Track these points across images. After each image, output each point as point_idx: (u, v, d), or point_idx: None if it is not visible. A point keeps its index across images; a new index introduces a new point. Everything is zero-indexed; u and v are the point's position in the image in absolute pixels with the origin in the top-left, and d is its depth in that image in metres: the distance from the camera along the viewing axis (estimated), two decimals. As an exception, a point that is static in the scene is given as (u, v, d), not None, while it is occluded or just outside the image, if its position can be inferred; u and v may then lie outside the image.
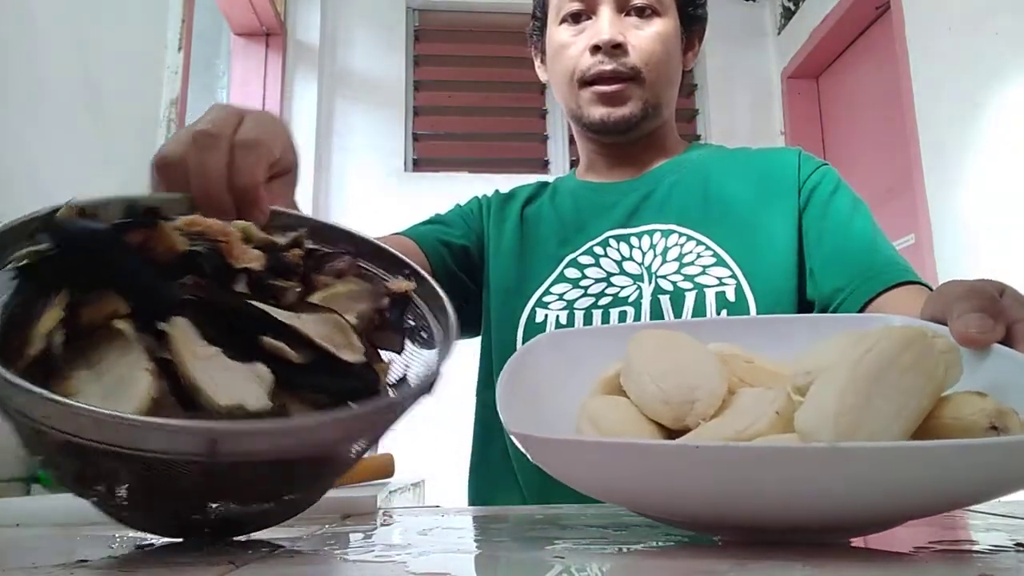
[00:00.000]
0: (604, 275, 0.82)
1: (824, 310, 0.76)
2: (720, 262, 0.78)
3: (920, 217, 2.18)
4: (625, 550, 0.34)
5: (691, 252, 0.79)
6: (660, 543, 0.36)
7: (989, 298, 0.40)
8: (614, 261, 0.82)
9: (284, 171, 0.51)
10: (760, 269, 0.77)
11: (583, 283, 0.82)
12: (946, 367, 0.35)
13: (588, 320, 0.80)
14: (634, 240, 0.82)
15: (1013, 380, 0.36)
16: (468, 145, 3.18)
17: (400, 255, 0.47)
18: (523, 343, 0.79)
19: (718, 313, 0.76)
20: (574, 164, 3.64)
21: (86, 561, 0.33)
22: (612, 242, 0.83)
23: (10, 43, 1.21)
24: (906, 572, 0.28)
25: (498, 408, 0.40)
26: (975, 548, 0.34)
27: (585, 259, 0.84)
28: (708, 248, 0.79)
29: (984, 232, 1.95)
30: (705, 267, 0.78)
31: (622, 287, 0.80)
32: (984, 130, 1.96)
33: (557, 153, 3.13)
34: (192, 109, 1.91)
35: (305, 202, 2.81)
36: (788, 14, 3.10)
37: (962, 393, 0.35)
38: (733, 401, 0.39)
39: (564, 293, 0.82)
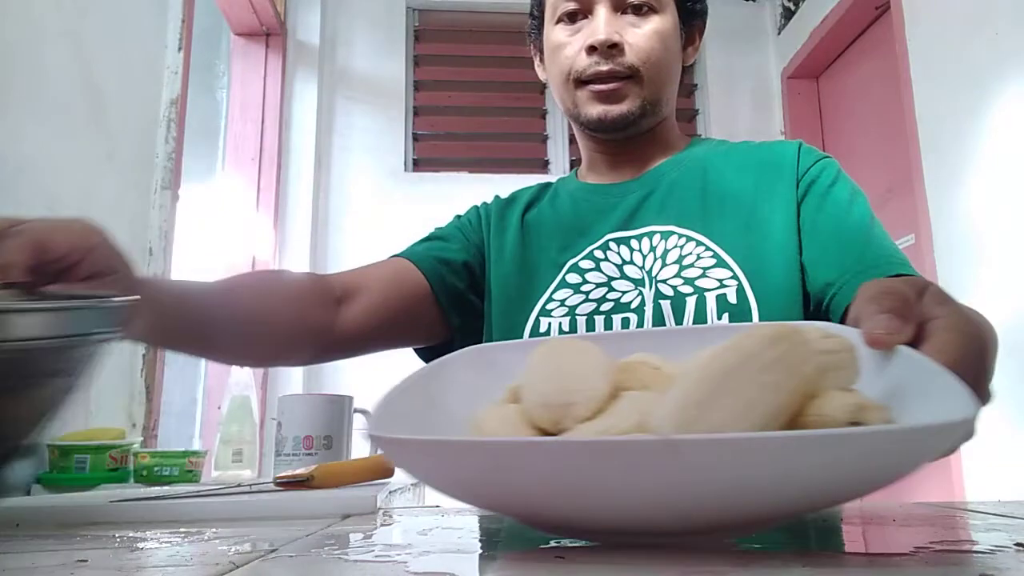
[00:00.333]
0: (605, 280, 0.81)
1: (818, 305, 0.75)
2: (720, 263, 0.77)
3: (920, 217, 2.18)
4: (626, 548, 0.34)
5: (691, 254, 0.78)
6: (663, 543, 0.36)
7: (900, 299, 0.39)
8: (615, 265, 0.81)
9: (96, 273, 0.57)
10: (761, 268, 0.76)
11: (584, 288, 0.82)
12: (821, 366, 0.35)
13: (591, 327, 0.79)
14: (634, 243, 0.82)
15: (913, 382, 0.35)
16: (468, 145, 3.18)
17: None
18: None
19: (719, 317, 0.74)
20: (574, 164, 3.63)
21: (86, 561, 0.33)
22: (612, 245, 0.82)
23: (11, 43, 1.21)
24: (906, 572, 0.28)
25: (372, 413, 0.40)
26: (975, 548, 0.34)
27: (586, 263, 0.83)
28: (708, 249, 0.78)
29: (984, 232, 1.95)
30: (705, 269, 0.77)
31: (623, 292, 0.80)
32: (984, 130, 1.96)
33: (557, 153, 3.13)
34: (192, 109, 1.91)
35: (305, 202, 2.82)
36: (788, 14, 3.10)
37: (833, 391, 0.35)
38: (613, 404, 0.39)
39: (566, 299, 0.82)
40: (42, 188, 1.27)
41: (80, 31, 1.41)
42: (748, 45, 3.22)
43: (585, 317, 0.80)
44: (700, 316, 0.75)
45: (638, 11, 0.82)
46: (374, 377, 3.10)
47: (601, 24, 0.80)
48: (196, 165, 2.45)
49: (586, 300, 0.81)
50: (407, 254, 0.89)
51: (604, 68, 0.80)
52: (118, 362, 1.54)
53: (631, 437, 0.32)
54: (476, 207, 0.95)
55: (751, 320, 0.74)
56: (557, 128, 3.14)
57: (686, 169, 0.85)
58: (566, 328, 0.80)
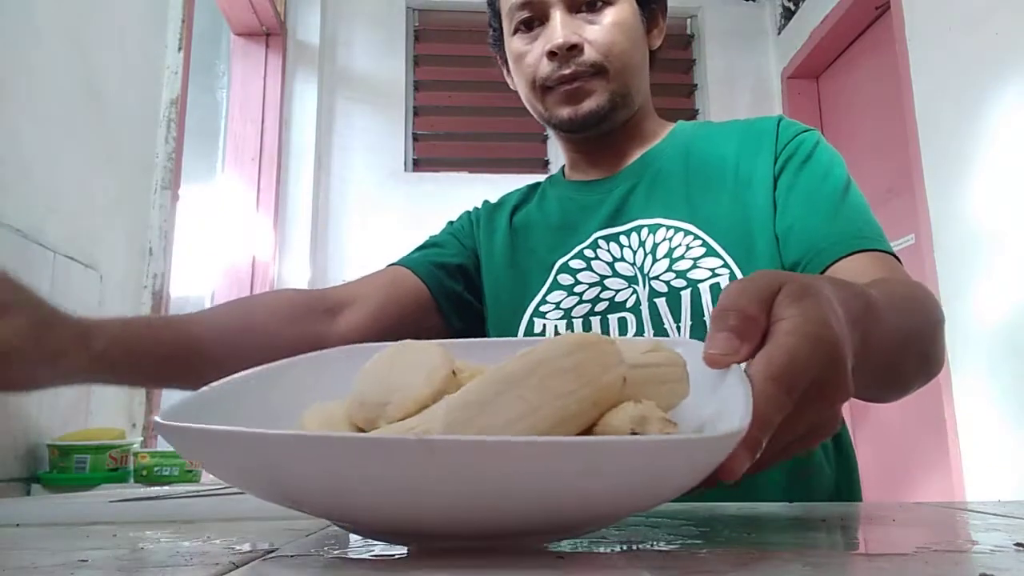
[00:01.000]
0: (597, 279, 0.80)
1: None
2: (710, 251, 0.76)
3: (920, 217, 2.18)
4: (625, 549, 0.34)
5: (680, 245, 0.77)
6: (661, 543, 0.36)
7: (741, 316, 0.37)
8: (605, 263, 0.81)
9: None
10: (750, 252, 0.75)
11: (577, 289, 0.81)
12: (634, 379, 0.35)
13: (587, 328, 0.79)
14: (623, 239, 0.81)
15: (730, 406, 0.35)
16: (468, 145, 3.18)
17: None
18: None
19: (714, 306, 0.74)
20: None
21: (86, 561, 0.33)
22: (602, 243, 0.82)
23: (10, 43, 1.21)
24: (906, 572, 0.28)
25: (178, 401, 0.39)
26: (975, 548, 0.34)
27: (576, 263, 0.82)
28: (697, 238, 0.77)
29: (984, 232, 1.95)
30: (696, 260, 0.76)
31: (617, 290, 0.79)
32: (984, 130, 1.96)
33: (557, 153, 3.12)
34: (192, 109, 1.91)
35: (305, 202, 2.82)
36: (788, 14, 3.10)
37: (629, 403, 0.35)
38: (431, 407, 0.38)
39: (560, 301, 0.82)
40: (42, 188, 1.27)
41: (80, 31, 1.41)
42: (748, 45, 3.22)
43: (581, 319, 0.79)
44: (697, 309, 0.75)
45: (592, 7, 0.81)
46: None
47: (557, 28, 0.79)
48: (196, 165, 2.45)
49: (580, 301, 0.81)
50: (402, 262, 0.89)
51: (567, 71, 0.79)
52: (118, 362, 1.54)
53: (388, 435, 0.31)
54: (467, 212, 0.96)
55: None
56: (557, 128, 3.14)
57: (668, 158, 0.84)
58: (561, 330, 0.80)
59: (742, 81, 3.18)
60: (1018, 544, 0.33)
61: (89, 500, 0.63)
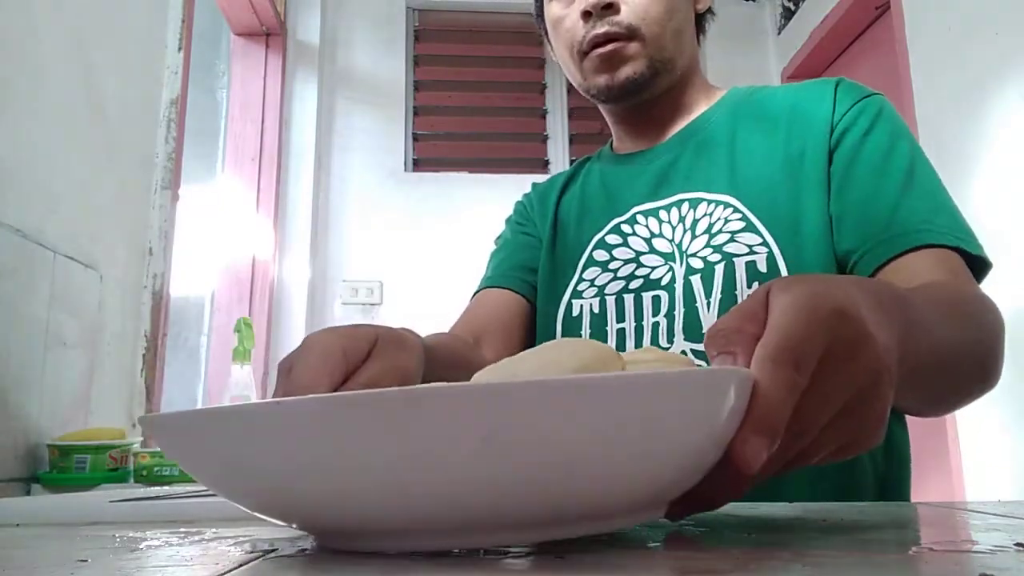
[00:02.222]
0: (633, 255, 0.76)
1: (842, 271, 0.69)
2: (750, 227, 0.71)
3: (920, 217, 2.18)
4: (626, 549, 0.34)
5: (719, 219, 0.72)
6: (662, 544, 0.36)
7: (727, 332, 0.35)
8: (643, 239, 0.77)
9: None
10: (794, 234, 0.70)
11: (612, 265, 0.77)
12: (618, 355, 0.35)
13: (620, 306, 0.75)
14: (663, 214, 0.77)
15: None
16: (468, 145, 3.18)
17: None
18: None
19: (749, 286, 0.68)
20: (574, 164, 3.61)
21: (86, 561, 0.33)
22: (640, 218, 0.78)
23: (11, 42, 1.20)
24: (906, 572, 0.28)
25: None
26: (975, 548, 0.34)
27: (613, 238, 0.79)
28: (736, 211, 0.72)
29: (984, 232, 1.94)
30: (733, 233, 0.71)
31: (653, 267, 0.75)
32: (984, 130, 1.96)
33: (557, 153, 3.13)
34: (192, 109, 1.91)
35: (305, 202, 2.82)
36: (788, 14, 3.10)
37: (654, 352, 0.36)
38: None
39: (595, 278, 0.78)
40: (42, 188, 1.27)
41: (80, 31, 1.41)
42: (748, 45, 3.22)
43: (614, 296, 0.76)
44: (728, 285, 0.70)
45: None
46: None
47: None
48: (196, 165, 2.45)
49: (615, 278, 0.77)
50: (487, 283, 0.88)
51: (600, 31, 0.76)
52: (118, 362, 1.54)
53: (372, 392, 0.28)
54: (519, 202, 0.94)
55: None
56: (557, 128, 3.14)
57: (715, 126, 0.79)
58: (596, 310, 0.77)
59: (742, 81, 3.16)
60: (1018, 544, 0.33)
61: (89, 500, 0.63)
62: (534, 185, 0.94)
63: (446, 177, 2.99)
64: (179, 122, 1.78)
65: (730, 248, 0.71)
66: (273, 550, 0.36)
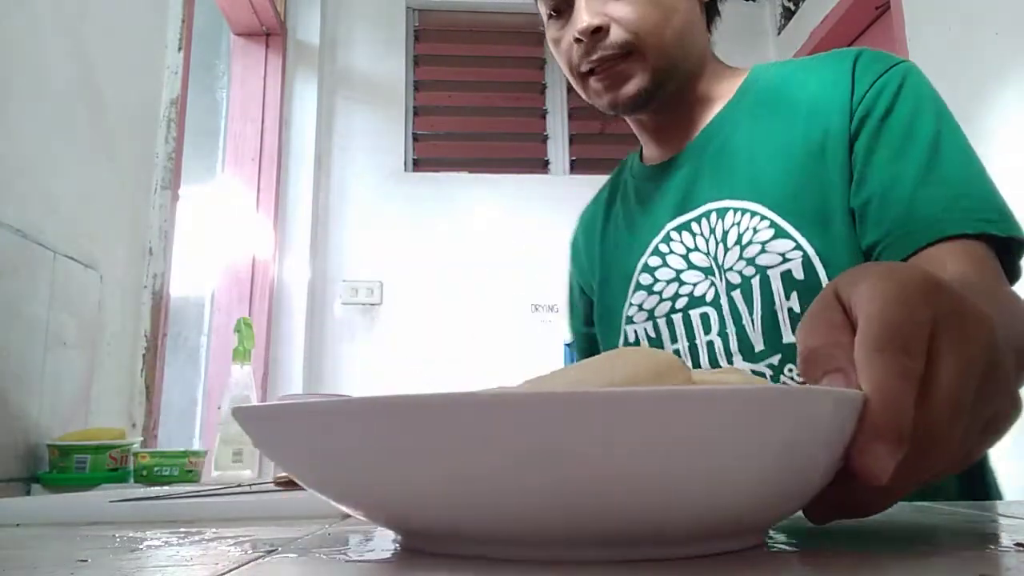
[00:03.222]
0: (674, 274, 0.75)
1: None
2: (780, 233, 0.68)
3: (920, 217, 2.18)
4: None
5: (748, 229, 0.70)
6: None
7: (821, 354, 0.31)
8: (680, 256, 0.75)
9: None
10: (827, 230, 0.66)
11: (656, 288, 0.76)
12: (681, 364, 0.34)
13: (671, 327, 0.75)
14: (694, 226, 0.75)
15: None
16: (468, 145, 3.18)
17: None
18: None
19: (787, 298, 0.66)
20: (574, 164, 3.60)
21: (86, 561, 0.33)
22: (674, 235, 0.76)
23: (10, 43, 1.21)
24: (906, 572, 0.28)
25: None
26: (975, 548, 0.34)
27: (653, 260, 0.77)
28: (764, 218, 0.69)
29: (984, 232, 1.95)
30: (764, 243, 0.68)
31: (695, 284, 0.74)
32: (984, 130, 1.96)
33: (557, 153, 3.13)
34: (192, 109, 1.91)
35: (305, 202, 2.82)
36: (788, 14, 3.10)
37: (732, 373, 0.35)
38: None
39: (643, 303, 0.77)
40: (42, 188, 1.27)
41: (80, 31, 1.41)
42: (748, 45, 3.22)
43: (664, 318, 0.75)
44: (767, 300, 0.67)
45: None
46: (372, 377, 3.08)
47: (581, 10, 0.73)
48: (196, 165, 2.45)
49: (661, 300, 0.76)
50: (573, 336, 0.94)
51: (595, 56, 0.74)
52: (118, 362, 1.54)
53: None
54: (571, 242, 0.95)
55: None
56: (557, 128, 3.14)
57: (733, 126, 0.76)
58: (651, 333, 0.76)
59: (742, 81, 3.18)
60: (1018, 544, 0.33)
61: (89, 500, 0.63)
62: (581, 218, 0.94)
63: (446, 177, 2.99)
64: (179, 122, 1.78)
65: (763, 260, 0.68)
66: (273, 550, 0.36)
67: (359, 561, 0.33)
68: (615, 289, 0.82)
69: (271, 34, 2.81)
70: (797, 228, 0.67)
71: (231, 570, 0.30)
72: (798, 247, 0.67)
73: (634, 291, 0.79)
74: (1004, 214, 0.64)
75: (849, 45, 2.81)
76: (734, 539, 0.31)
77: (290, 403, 0.30)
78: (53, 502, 0.65)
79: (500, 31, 3.19)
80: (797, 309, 0.66)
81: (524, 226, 2.90)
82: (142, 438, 1.59)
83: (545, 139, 3.16)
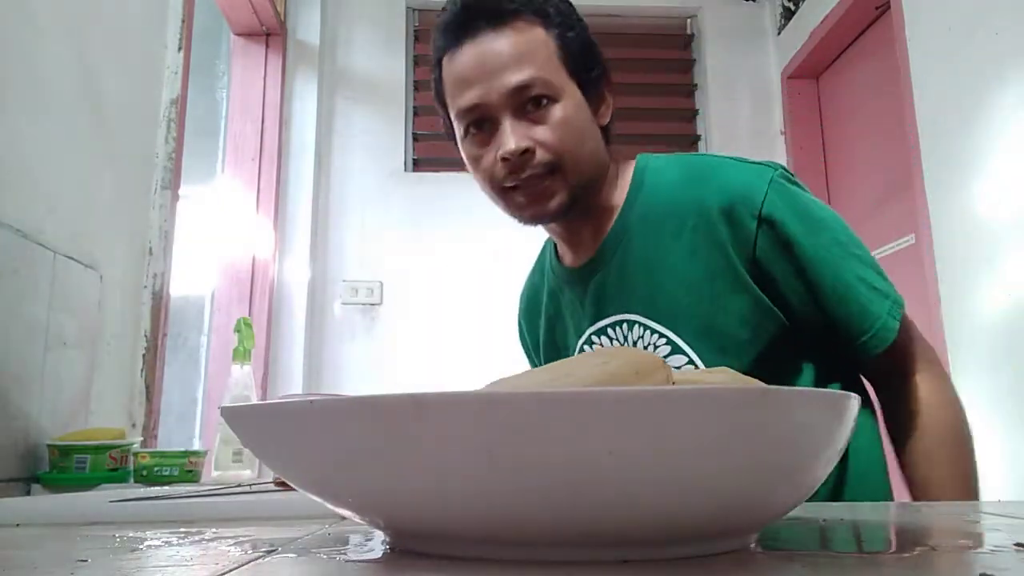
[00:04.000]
0: None
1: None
2: (676, 349, 0.78)
3: (920, 217, 2.18)
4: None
5: (649, 344, 0.80)
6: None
7: None
8: None
9: None
10: (714, 347, 0.77)
11: None
12: (663, 363, 0.35)
13: None
14: (610, 331, 0.85)
15: None
16: (468, 145, 3.17)
17: None
18: None
19: None
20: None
21: (86, 561, 0.33)
22: (594, 339, 0.86)
23: (10, 43, 1.21)
24: (906, 572, 0.28)
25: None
26: (975, 548, 0.34)
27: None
28: (663, 336, 0.80)
29: (984, 232, 1.95)
30: (664, 358, 0.79)
31: None
32: (984, 130, 1.96)
33: (557, 153, 3.14)
34: (192, 109, 1.91)
35: (305, 202, 2.82)
36: (788, 14, 3.10)
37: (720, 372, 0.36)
38: None
39: None
40: (42, 188, 1.27)
41: (80, 31, 1.41)
42: (748, 45, 3.22)
43: None
44: None
45: (538, 104, 0.80)
46: (372, 377, 3.06)
47: (508, 134, 0.79)
48: (196, 165, 2.45)
49: None
50: None
51: (524, 176, 0.80)
52: (118, 362, 1.54)
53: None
54: (517, 323, 1.07)
55: None
56: (557, 128, 3.14)
57: (629, 238, 0.84)
58: None
59: (742, 81, 3.18)
60: (1018, 544, 0.33)
61: (89, 500, 0.63)
62: (520, 299, 1.06)
63: (446, 177, 2.99)
64: (179, 122, 1.78)
65: None
66: (273, 550, 0.36)
67: (359, 561, 0.33)
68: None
69: (271, 34, 2.81)
70: (688, 343, 0.77)
71: (231, 570, 0.30)
72: (691, 362, 0.76)
73: None
74: (881, 308, 0.77)
75: (849, 45, 2.81)
76: (724, 540, 0.31)
77: (272, 402, 0.31)
78: (53, 502, 0.65)
79: (500, 31, 3.18)
80: None
81: (524, 226, 2.90)
82: (142, 438, 1.59)
83: (545, 139, 3.16)
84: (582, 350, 0.86)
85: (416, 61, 3.17)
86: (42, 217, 1.26)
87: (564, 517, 0.27)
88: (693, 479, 0.26)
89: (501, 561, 0.30)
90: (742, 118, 3.12)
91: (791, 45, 3.05)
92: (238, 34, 2.81)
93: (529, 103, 0.80)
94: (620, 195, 0.87)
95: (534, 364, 1.01)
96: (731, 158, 0.83)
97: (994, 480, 1.88)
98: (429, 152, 3.11)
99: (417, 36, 3.19)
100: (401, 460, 0.27)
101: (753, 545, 0.33)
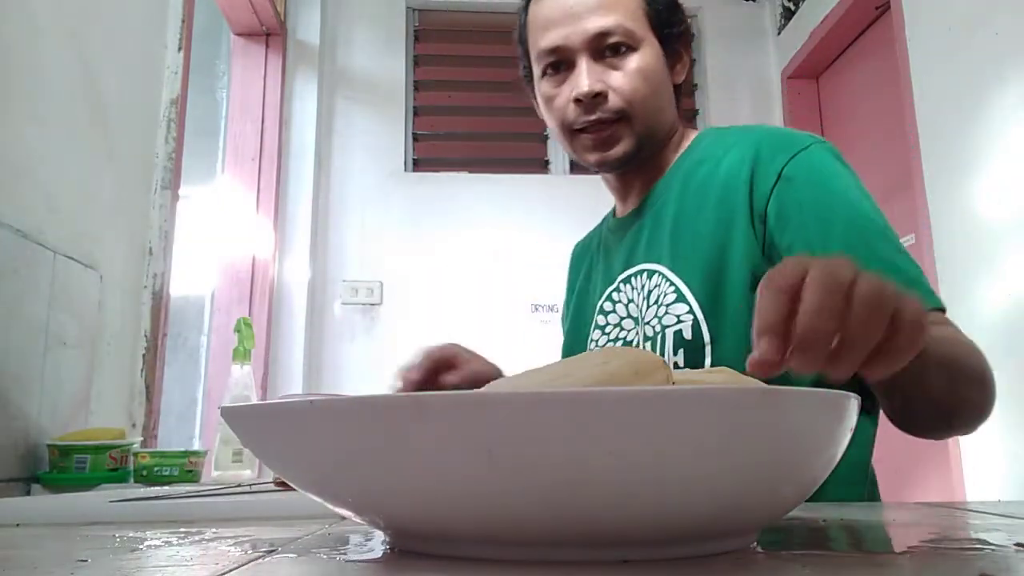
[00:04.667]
0: (618, 320, 0.86)
1: None
2: (680, 298, 0.78)
3: (920, 217, 2.18)
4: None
5: (661, 292, 0.81)
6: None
7: (781, 316, 0.38)
8: (623, 305, 0.86)
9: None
10: (717, 298, 0.76)
11: (608, 330, 0.87)
12: (663, 363, 0.35)
13: None
14: (634, 280, 0.86)
15: None
16: (468, 145, 3.17)
17: None
18: None
19: (675, 354, 0.76)
20: (574, 165, 3.59)
21: (86, 561, 0.33)
22: (621, 286, 0.87)
23: (11, 43, 1.20)
24: (906, 572, 0.28)
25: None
26: (975, 548, 0.34)
27: (607, 305, 0.88)
28: (672, 284, 0.80)
29: (985, 232, 1.95)
30: (668, 305, 0.79)
31: (629, 330, 0.84)
32: (984, 130, 1.96)
33: (557, 153, 3.13)
34: (192, 109, 1.91)
35: (305, 202, 2.81)
36: (788, 14, 3.10)
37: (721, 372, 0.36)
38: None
39: (597, 340, 0.88)
40: (42, 188, 1.27)
41: (80, 31, 1.41)
42: (748, 45, 3.22)
43: None
44: (662, 352, 0.78)
45: (616, 52, 0.82)
46: (372, 377, 3.07)
47: (583, 76, 0.81)
48: (196, 165, 2.45)
49: (609, 341, 0.86)
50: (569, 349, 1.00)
51: (592, 117, 0.82)
52: (118, 362, 1.54)
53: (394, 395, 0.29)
54: (569, 264, 1.06)
55: (704, 355, 0.75)
56: (557, 128, 3.14)
57: (669, 194, 0.85)
58: None
59: (742, 81, 3.18)
60: (1018, 544, 0.33)
61: (89, 500, 0.63)
62: (576, 247, 1.06)
63: (446, 177, 2.99)
64: (179, 122, 1.78)
65: (665, 320, 0.79)
66: (273, 550, 0.36)
67: (359, 561, 0.33)
68: (584, 318, 0.94)
69: (271, 34, 2.81)
70: (694, 293, 0.77)
71: (231, 570, 0.30)
72: (691, 311, 0.77)
73: (592, 329, 0.90)
74: (929, 291, 0.75)
75: (849, 45, 2.82)
76: (724, 540, 0.31)
77: (272, 402, 0.31)
78: (53, 502, 0.65)
79: (500, 31, 3.17)
80: (682, 364, 0.77)
81: (524, 226, 2.90)
82: (142, 438, 1.59)
83: (545, 139, 3.16)
84: (610, 296, 0.87)
85: (416, 61, 3.17)
86: (42, 217, 1.26)
87: (564, 517, 0.27)
88: (693, 479, 0.27)
89: (501, 561, 0.30)
90: (742, 118, 3.12)
91: (791, 45, 3.05)
92: (238, 34, 2.81)
93: (608, 49, 0.82)
94: (675, 157, 0.89)
95: (567, 314, 1.02)
96: (787, 129, 0.85)
97: (994, 480, 1.88)
98: (429, 152, 3.11)
99: (417, 36, 3.19)
100: (401, 460, 0.27)
101: (753, 545, 0.33)
